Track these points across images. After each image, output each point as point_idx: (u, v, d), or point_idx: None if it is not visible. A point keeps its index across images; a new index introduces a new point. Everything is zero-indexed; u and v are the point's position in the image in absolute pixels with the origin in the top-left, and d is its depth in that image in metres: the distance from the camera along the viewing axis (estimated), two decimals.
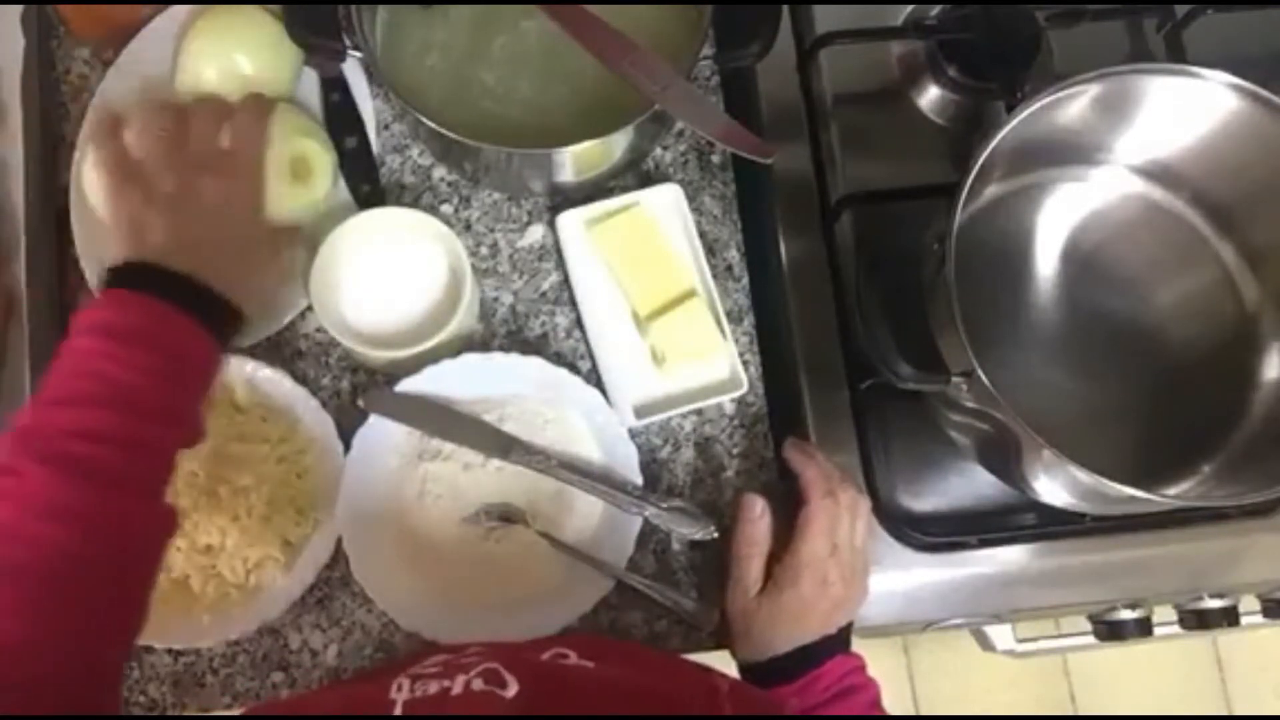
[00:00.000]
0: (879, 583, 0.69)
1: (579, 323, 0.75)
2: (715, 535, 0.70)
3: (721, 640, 0.70)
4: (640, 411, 0.72)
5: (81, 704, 0.48)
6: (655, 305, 0.72)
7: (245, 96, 0.66)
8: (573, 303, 0.75)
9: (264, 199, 0.63)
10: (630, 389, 0.72)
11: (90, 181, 0.70)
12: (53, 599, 0.49)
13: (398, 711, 0.48)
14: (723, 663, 0.63)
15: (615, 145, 0.70)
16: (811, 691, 0.62)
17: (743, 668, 0.66)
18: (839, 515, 0.65)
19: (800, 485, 0.66)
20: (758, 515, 0.66)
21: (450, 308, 0.69)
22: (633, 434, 0.71)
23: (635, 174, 0.78)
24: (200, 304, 0.55)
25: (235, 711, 0.69)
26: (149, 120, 0.60)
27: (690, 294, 0.72)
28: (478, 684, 0.49)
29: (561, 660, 0.55)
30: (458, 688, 0.49)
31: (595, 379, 0.72)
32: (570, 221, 0.74)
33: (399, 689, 0.50)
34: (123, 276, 0.55)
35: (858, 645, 0.66)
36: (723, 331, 0.72)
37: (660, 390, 0.73)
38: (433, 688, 0.50)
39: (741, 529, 0.66)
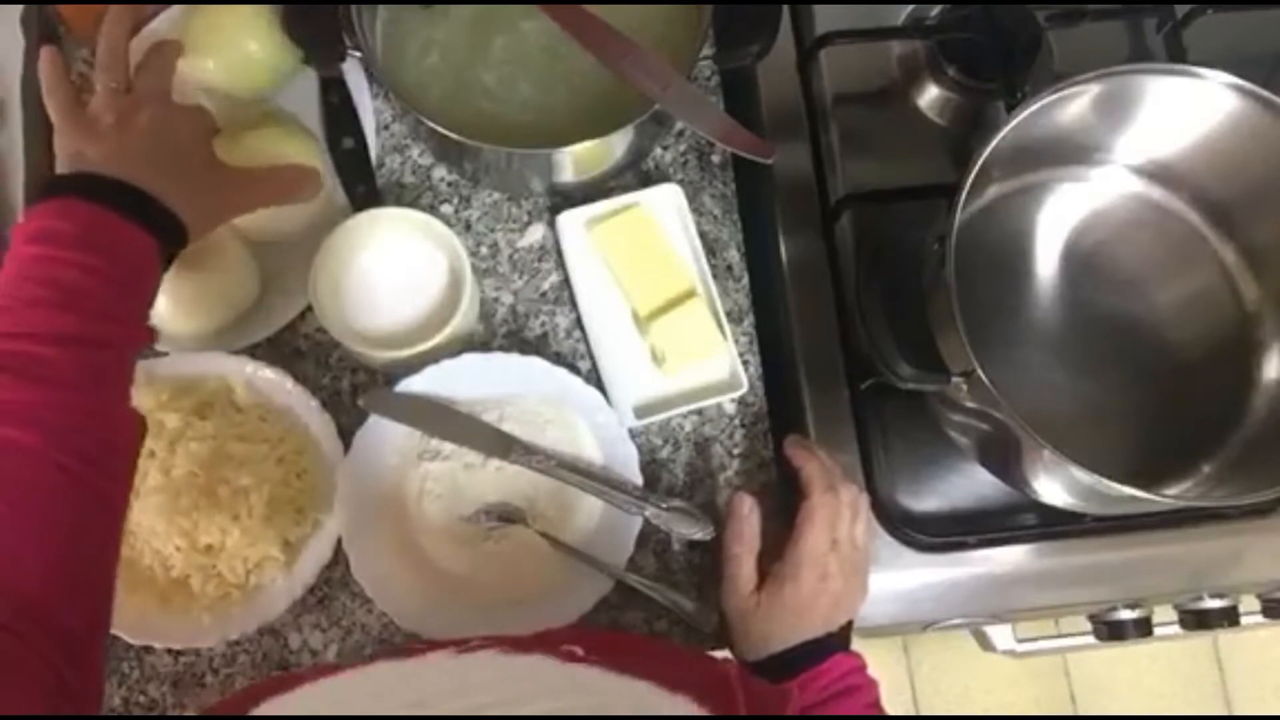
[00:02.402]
0: (879, 583, 0.69)
1: (579, 323, 0.75)
2: (714, 535, 0.70)
3: (721, 640, 0.70)
4: (640, 411, 0.72)
5: (68, 629, 0.47)
6: (655, 305, 0.72)
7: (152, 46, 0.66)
8: (573, 303, 0.75)
9: (203, 127, 0.64)
10: (630, 389, 0.72)
11: None
12: (23, 505, 0.48)
13: None
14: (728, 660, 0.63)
15: (615, 145, 0.70)
16: (811, 690, 0.61)
17: (742, 666, 0.65)
18: (840, 510, 0.65)
19: (800, 481, 0.66)
20: (746, 512, 0.66)
21: (450, 308, 0.69)
22: (633, 434, 0.71)
23: (635, 174, 0.78)
24: (139, 208, 0.55)
25: None
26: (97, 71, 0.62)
27: (690, 294, 0.72)
28: None
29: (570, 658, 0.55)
30: None
31: (595, 379, 0.72)
32: (570, 221, 0.74)
33: None
34: (61, 187, 0.55)
35: (857, 645, 0.66)
36: (723, 331, 0.72)
37: (660, 390, 0.73)
38: None
39: (731, 526, 0.67)
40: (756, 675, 0.63)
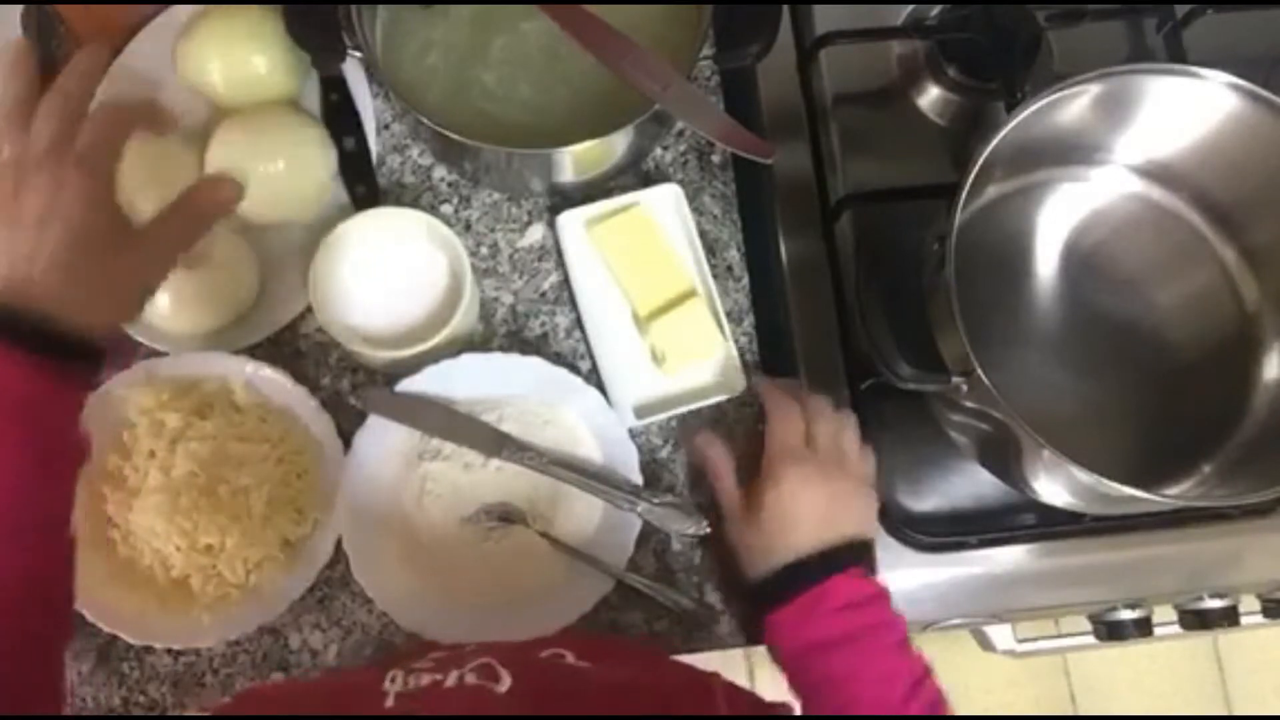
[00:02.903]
0: None
1: (579, 323, 0.75)
2: (708, 530, 0.70)
3: (723, 642, 0.70)
4: (640, 411, 0.72)
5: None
6: (655, 305, 0.72)
7: (73, 61, 0.56)
8: (573, 303, 0.75)
9: (105, 198, 0.54)
10: (630, 389, 0.72)
11: None
12: None
13: (389, 703, 0.48)
14: (725, 661, 0.63)
15: (615, 145, 0.70)
16: (817, 615, 0.60)
17: (752, 596, 0.64)
18: (801, 413, 0.66)
19: (765, 404, 0.69)
20: (709, 441, 0.68)
21: (450, 308, 0.69)
22: (633, 434, 0.71)
23: (635, 174, 0.78)
24: (45, 340, 0.50)
25: None
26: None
27: (690, 294, 0.72)
28: (471, 678, 0.49)
29: (559, 660, 0.55)
30: (450, 681, 0.49)
31: (595, 379, 0.72)
32: (570, 221, 0.74)
33: (392, 681, 0.50)
34: None
35: None
36: (723, 331, 0.72)
37: (660, 390, 0.73)
38: (425, 680, 0.50)
39: (705, 462, 0.68)
40: (763, 604, 0.62)
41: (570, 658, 0.56)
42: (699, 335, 0.71)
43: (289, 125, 0.71)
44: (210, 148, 0.71)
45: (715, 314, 0.72)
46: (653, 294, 0.72)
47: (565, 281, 0.75)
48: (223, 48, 0.71)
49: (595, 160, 0.72)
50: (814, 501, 0.63)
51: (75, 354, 0.52)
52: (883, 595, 0.62)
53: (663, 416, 0.72)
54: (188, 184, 0.71)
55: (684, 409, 0.72)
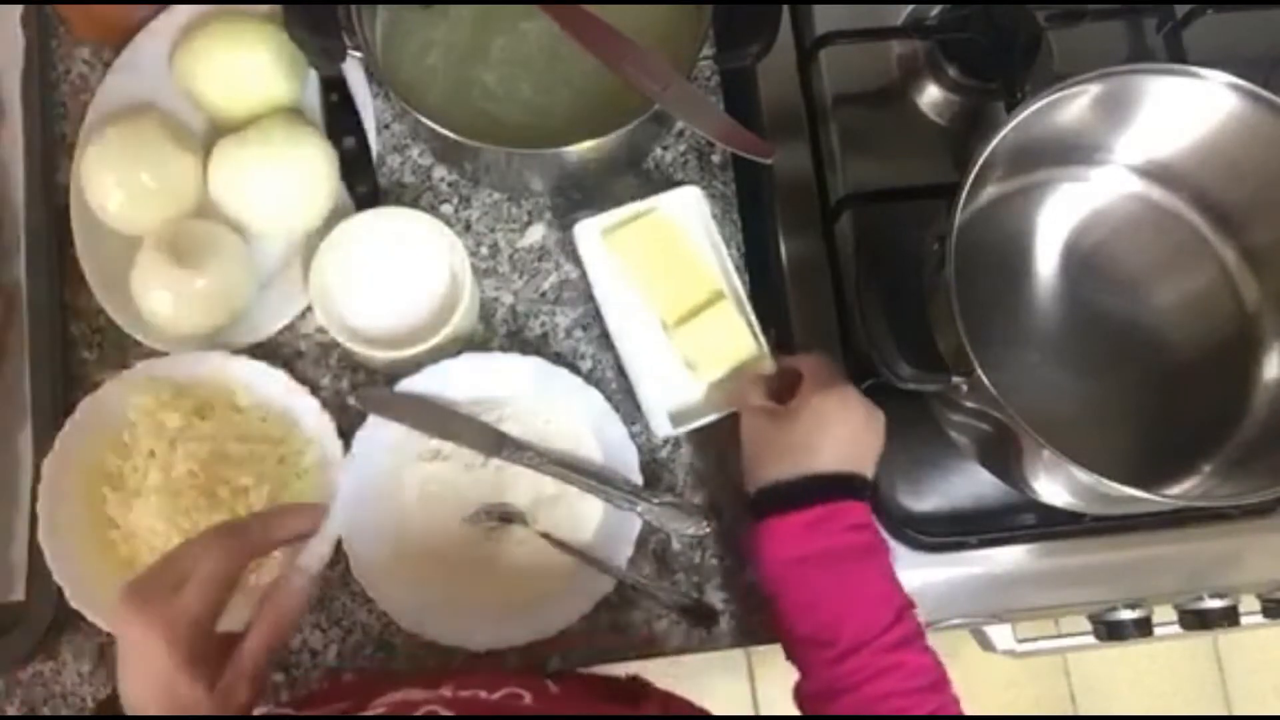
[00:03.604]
0: None
1: (588, 327, 0.74)
2: (708, 530, 0.70)
3: (720, 642, 0.70)
4: (676, 420, 0.70)
5: None
6: (682, 311, 0.71)
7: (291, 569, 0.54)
8: (572, 303, 0.75)
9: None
10: (664, 398, 0.71)
11: (90, 180, 0.70)
12: None
13: None
14: (726, 661, 0.63)
15: (615, 145, 0.70)
16: (829, 528, 0.60)
17: (756, 500, 0.63)
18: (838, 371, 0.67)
19: (794, 363, 0.68)
20: (759, 374, 0.68)
21: (450, 308, 0.69)
22: (632, 434, 0.71)
23: (635, 174, 0.78)
24: None
25: None
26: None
27: (718, 297, 0.71)
28: None
29: (514, 700, 0.54)
30: None
31: (595, 380, 0.72)
32: (587, 230, 0.72)
33: None
34: None
35: None
36: (754, 332, 0.71)
37: (694, 397, 0.72)
38: None
39: (744, 385, 0.68)
40: (770, 506, 0.61)
41: (528, 699, 0.55)
42: (730, 339, 0.70)
43: (290, 132, 0.71)
44: (213, 157, 0.71)
45: (745, 315, 0.71)
46: (679, 300, 0.71)
47: (564, 282, 0.75)
48: (221, 57, 0.71)
49: (595, 160, 0.72)
50: (852, 422, 0.62)
51: None
52: (876, 528, 0.62)
53: (699, 423, 0.70)
54: (190, 190, 0.72)
55: (720, 414, 0.70)
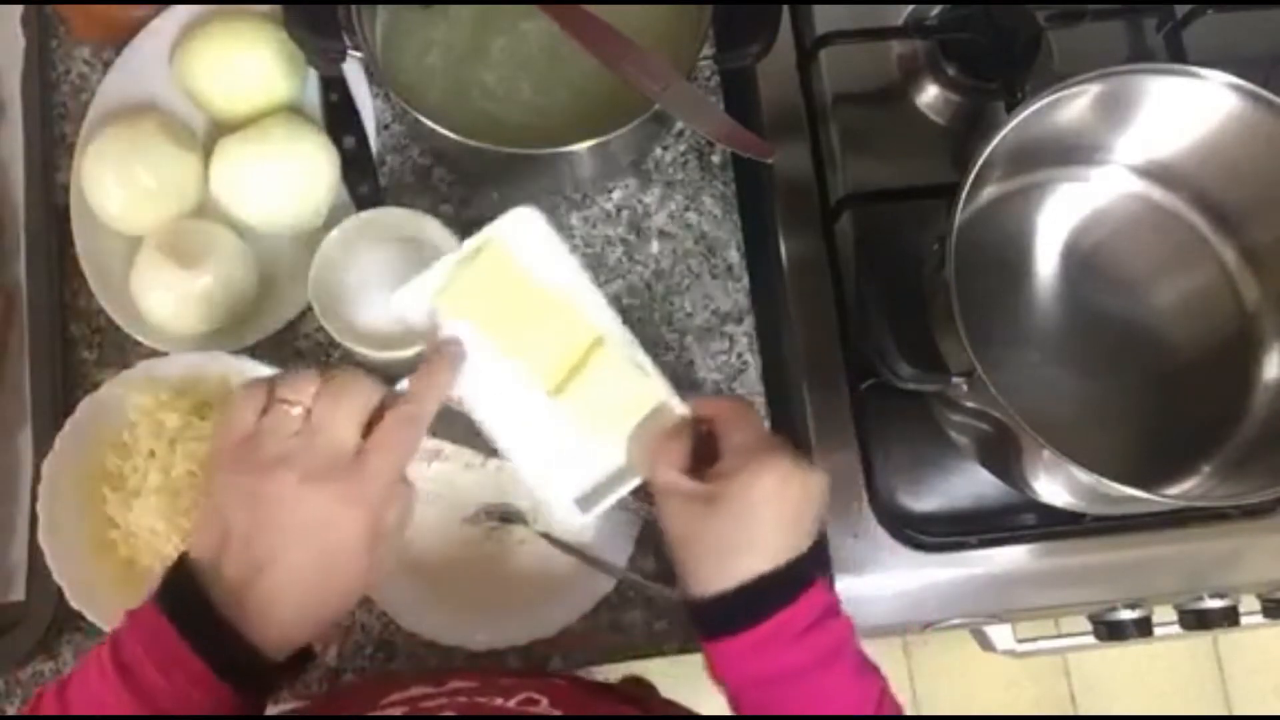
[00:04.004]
0: (879, 583, 0.70)
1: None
2: None
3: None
4: (586, 505, 0.57)
5: None
6: (561, 372, 0.57)
7: (411, 388, 0.52)
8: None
9: (381, 531, 0.48)
10: (566, 483, 0.57)
11: (90, 180, 0.70)
12: None
13: None
14: None
15: (615, 146, 0.70)
16: (779, 644, 0.50)
17: (694, 617, 0.53)
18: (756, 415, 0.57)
19: (708, 411, 0.57)
20: (669, 435, 0.55)
21: None
22: None
23: (635, 174, 0.78)
24: (225, 650, 0.45)
25: None
26: (289, 388, 0.49)
27: (596, 342, 0.57)
28: None
29: (530, 705, 0.52)
30: None
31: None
32: (410, 300, 0.57)
33: None
34: (168, 586, 0.47)
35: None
36: (644, 369, 0.58)
37: (602, 469, 0.58)
38: None
39: (651, 448, 0.55)
40: (717, 626, 0.52)
41: (545, 704, 0.52)
42: (623, 389, 0.57)
43: (290, 132, 0.71)
44: (213, 157, 0.71)
45: (631, 353, 0.58)
46: (552, 356, 0.57)
47: None
48: (221, 57, 0.71)
49: (595, 161, 0.72)
50: (789, 500, 0.51)
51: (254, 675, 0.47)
52: (835, 599, 0.53)
53: (615, 498, 0.57)
54: (190, 190, 0.72)
55: (635, 482, 0.57)
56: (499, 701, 0.52)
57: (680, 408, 0.57)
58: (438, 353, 0.54)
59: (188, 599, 0.46)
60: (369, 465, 0.48)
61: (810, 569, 0.52)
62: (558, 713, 0.52)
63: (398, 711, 0.51)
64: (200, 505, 0.50)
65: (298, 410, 0.48)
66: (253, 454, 0.47)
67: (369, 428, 0.49)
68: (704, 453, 0.55)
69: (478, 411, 0.57)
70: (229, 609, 0.46)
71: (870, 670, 0.53)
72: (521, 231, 0.58)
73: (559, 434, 0.57)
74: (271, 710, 0.62)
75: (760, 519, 0.51)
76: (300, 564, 0.47)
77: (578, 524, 0.58)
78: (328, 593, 0.48)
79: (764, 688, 0.51)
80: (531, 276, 0.57)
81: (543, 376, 0.57)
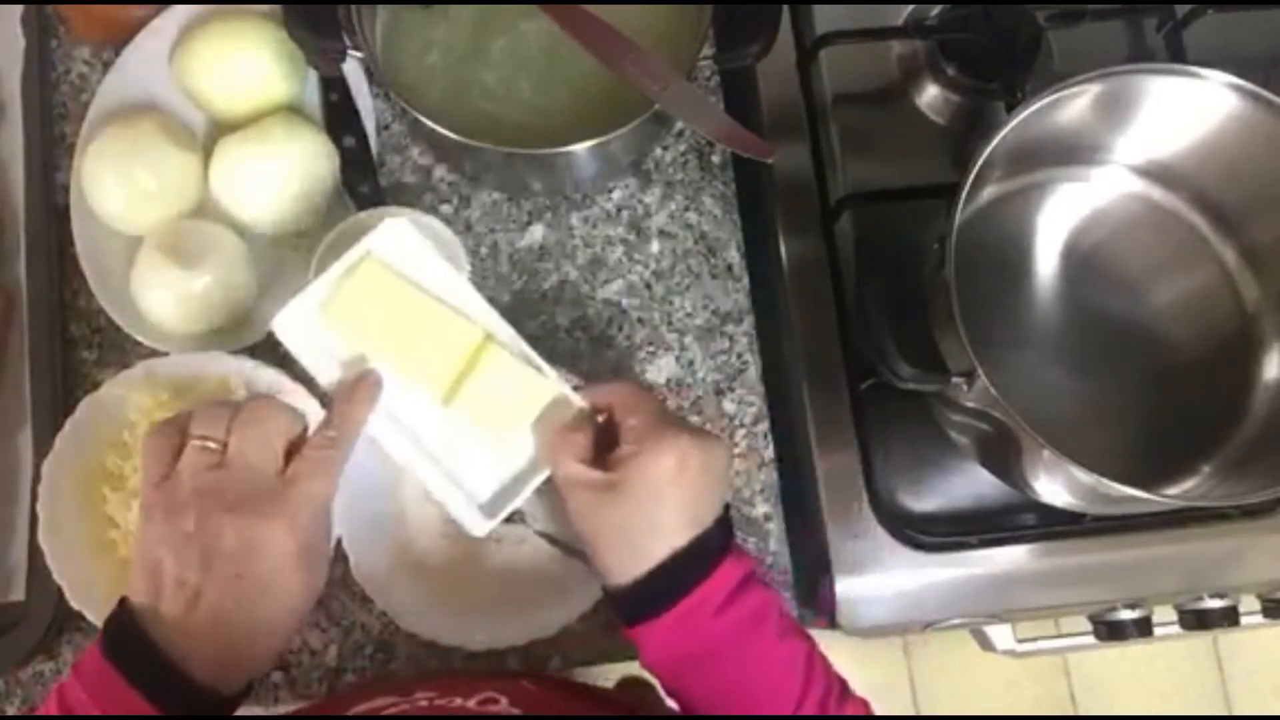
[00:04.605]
0: (879, 583, 0.69)
1: (588, 327, 0.74)
2: None
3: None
4: (491, 510, 0.58)
5: None
6: (451, 377, 0.57)
7: (329, 414, 0.53)
8: (573, 303, 0.75)
9: (313, 552, 0.50)
10: (472, 491, 0.58)
11: (90, 180, 0.70)
12: None
13: None
14: None
15: (615, 146, 0.70)
16: (697, 623, 0.50)
17: (614, 604, 0.53)
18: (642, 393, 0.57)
19: (603, 399, 0.57)
20: (567, 428, 0.56)
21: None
22: None
23: (635, 174, 0.78)
24: (171, 691, 0.46)
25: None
26: (202, 424, 0.50)
27: (483, 342, 0.58)
28: None
29: (490, 704, 0.53)
30: None
31: (591, 378, 0.71)
32: (293, 319, 0.57)
33: None
34: (109, 632, 0.48)
35: (856, 645, 0.65)
36: (539, 369, 0.58)
37: (504, 472, 0.59)
38: None
39: (548, 442, 0.56)
40: (636, 611, 0.52)
41: (504, 703, 0.52)
42: (515, 387, 0.57)
43: (290, 132, 0.71)
44: (213, 157, 0.71)
45: (521, 352, 0.58)
46: (441, 363, 0.57)
47: (564, 284, 0.75)
48: (221, 57, 0.71)
49: (595, 160, 0.72)
50: (690, 480, 0.51)
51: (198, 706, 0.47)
52: (752, 565, 0.53)
53: (520, 500, 0.58)
54: (190, 190, 0.72)
55: (539, 477, 0.58)
56: (459, 702, 0.52)
57: (576, 399, 0.57)
58: (360, 380, 0.55)
59: (130, 642, 0.46)
60: (292, 491, 0.50)
61: (720, 541, 0.52)
62: (516, 711, 0.52)
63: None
64: (133, 550, 0.51)
65: (214, 444, 0.49)
66: (174, 494, 0.48)
67: (290, 455, 0.51)
68: (606, 441, 0.54)
69: (371, 428, 0.56)
70: (172, 647, 0.46)
71: (797, 633, 0.53)
72: (396, 243, 0.58)
73: (457, 442, 0.58)
74: (274, 710, 0.62)
75: (664, 500, 0.51)
76: (234, 593, 0.47)
77: (483, 531, 0.57)
78: (265, 620, 0.49)
79: (694, 664, 0.51)
80: (407, 285, 0.58)
81: (433, 385, 0.57)
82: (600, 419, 0.56)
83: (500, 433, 0.58)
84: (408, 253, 0.58)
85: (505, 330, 0.58)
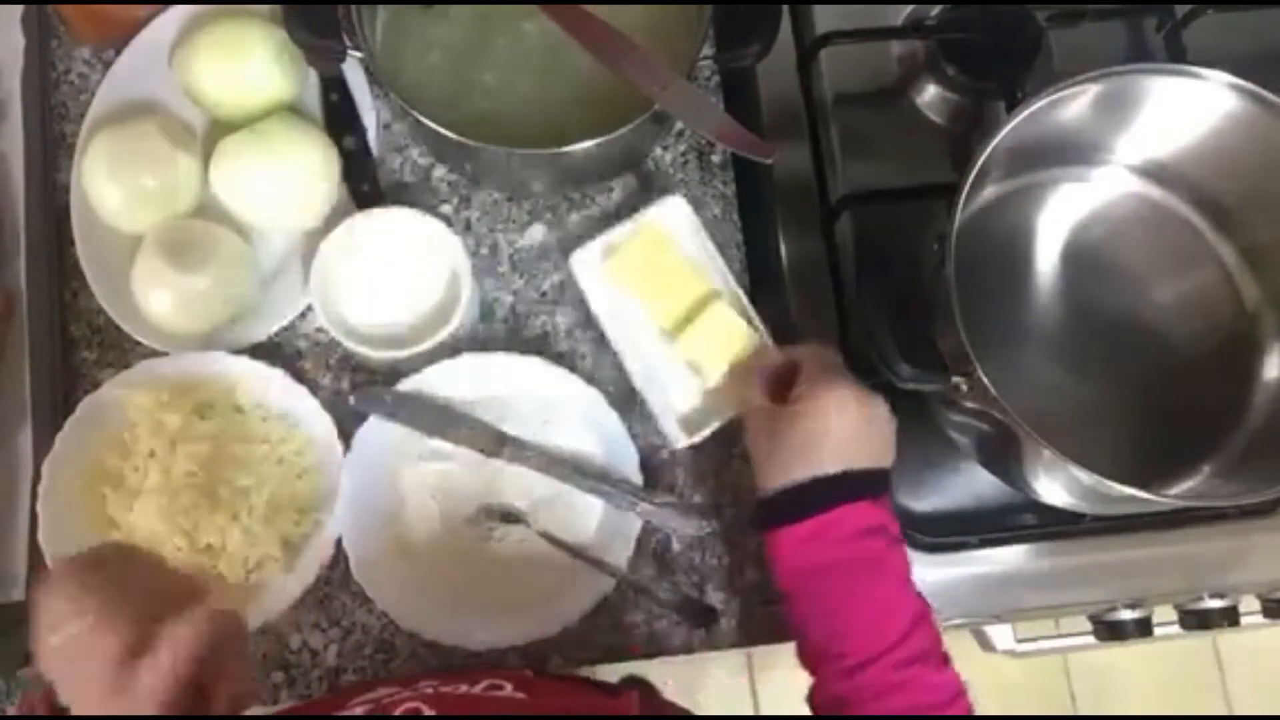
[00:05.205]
0: None
1: (587, 327, 0.74)
2: (708, 531, 0.70)
3: (721, 642, 0.69)
4: (688, 427, 0.70)
5: None
6: (679, 317, 0.71)
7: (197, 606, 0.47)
8: (573, 303, 0.75)
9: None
10: (675, 408, 0.71)
11: (91, 179, 0.70)
12: None
13: None
14: (725, 661, 0.63)
15: (615, 145, 0.70)
16: (829, 538, 0.58)
17: (760, 509, 0.62)
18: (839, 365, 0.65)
19: (794, 354, 0.66)
20: (760, 367, 0.66)
21: (450, 308, 0.69)
22: (632, 434, 0.71)
23: (635, 174, 0.78)
24: None
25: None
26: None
27: (711, 297, 0.71)
28: None
29: (495, 690, 0.55)
30: None
31: (595, 380, 0.72)
32: (586, 259, 0.72)
33: None
34: None
35: None
36: (753, 324, 0.71)
37: (704, 402, 0.71)
38: None
39: (744, 380, 0.67)
40: (776, 515, 0.60)
41: (509, 688, 0.55)
42: (730, 336, 0.70)
43: (290, 132, 0.71)
44: (213, 157, 0.71)
45: (742, 309, 0.71)
46: (675, 307, 0.71)
47: (564, 284, 0.75)
48: (221, 56, 0.71)
49: (595, 160, 0.72)
50: (848, 421, 0.60)
51: None
52: (891, 527, 0.60)
53: (711, 429, 0.70)
54: (190, 190, 0.72)
55: (729, 416, 0.70)
56: (464, 688, 0.54)
57: (774, 351, 0.69)
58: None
59: None
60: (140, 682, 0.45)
61: (866, 486, 0.59)
62: (521, 696, 0.55)
63: (360, 710, 0.52)
64: None
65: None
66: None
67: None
68: (789, 393, 0.63)
69: (618, 349, 0.71)
70: None
71: (918, 595, 0.59)
72: (673, 214, 0.73)
73: (675, 370, 0.71)
74: (274, 710, 0.62)
75: (823, 430, 0.59)
76: None
77: (682, 443, 0.69)
78: None
79: (810, 577, 0.59)
80: (673, 248, 0.72)
81: (664, 320, 0.71)
82: (788, 372, 0.64)
83: (710, 369, 0.70)
84: (680, 226, 0.73)
85: (736, 291, 0.72)
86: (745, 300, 0.72)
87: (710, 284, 0.72)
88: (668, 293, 0.71)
